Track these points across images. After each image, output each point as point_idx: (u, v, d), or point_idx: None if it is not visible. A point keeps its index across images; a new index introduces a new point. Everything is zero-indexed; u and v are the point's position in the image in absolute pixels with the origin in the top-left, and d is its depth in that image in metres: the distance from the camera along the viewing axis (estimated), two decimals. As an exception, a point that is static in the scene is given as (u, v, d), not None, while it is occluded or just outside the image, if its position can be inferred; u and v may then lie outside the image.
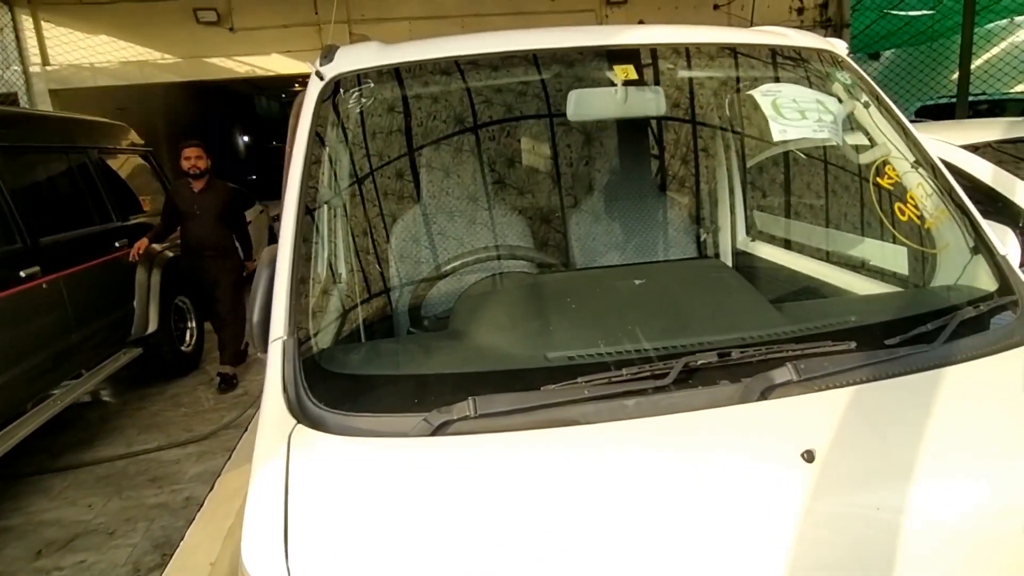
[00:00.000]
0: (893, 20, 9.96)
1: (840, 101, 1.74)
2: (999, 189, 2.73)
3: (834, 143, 1.55)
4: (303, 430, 1.06)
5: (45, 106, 8.39)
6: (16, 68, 8.26)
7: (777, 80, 1.64)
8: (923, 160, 1.59)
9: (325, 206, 1.42)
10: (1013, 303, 1.37)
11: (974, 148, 2.97)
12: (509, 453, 1.02)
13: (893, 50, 10.98)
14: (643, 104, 1.59)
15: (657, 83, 1.67)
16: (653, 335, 1.22)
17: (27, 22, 8.37)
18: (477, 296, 1.42)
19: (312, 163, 1.43)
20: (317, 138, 1.48)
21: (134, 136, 5.91)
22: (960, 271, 1.51)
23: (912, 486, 0.94)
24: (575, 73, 1.59)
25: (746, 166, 2.57)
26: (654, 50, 1.64)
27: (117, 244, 4.78)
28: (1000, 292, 1.39)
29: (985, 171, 2.81)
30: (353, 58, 1.61)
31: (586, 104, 1.54)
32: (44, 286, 3.89)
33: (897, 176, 1.54)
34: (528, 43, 1.60)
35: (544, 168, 2.27)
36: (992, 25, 9.11)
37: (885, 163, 1.57)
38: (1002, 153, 2.99)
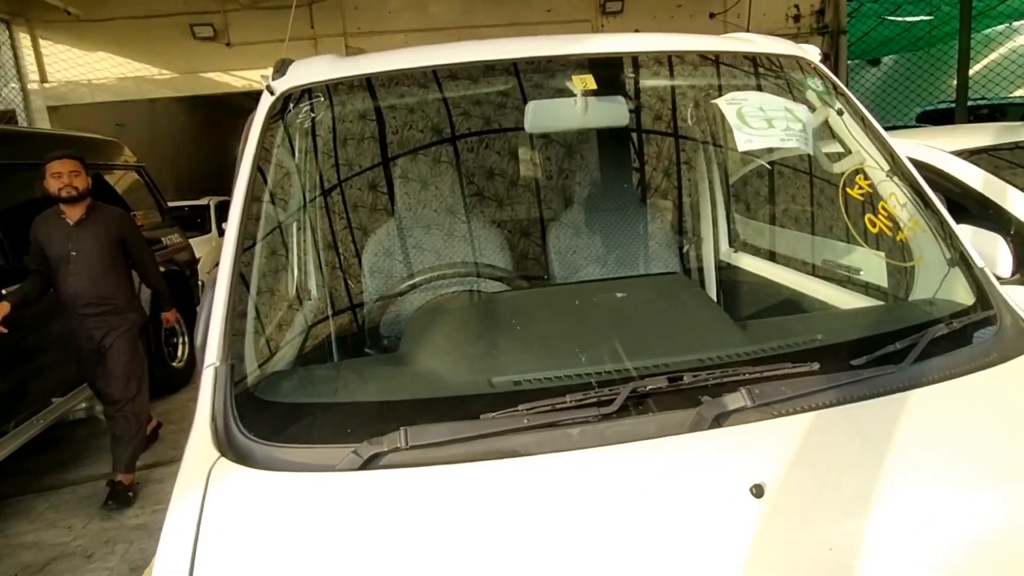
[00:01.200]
0: (891, 26, 9.91)
1: (812, 109, 1.68)
2: (990, 196, 2.65)
3: (804, 152, 1.49)
4: (224, 464, 1.00)
5: (43, 123, 8.43)
6: (14, 85, 8.31)
7: (745, 88, 1.58)
8: (898, 169, 1.53)
9: (271, 225, 1.36)
10: (991, 318, 1.30)
11: (973, 154, 2.90)
12: (440, 488, 0.96)
13: (893, 56, 10.94)
14: (604, 114, 1.53)
15: (623, 93, 1.61)
16: (605, 357, 1.15)
17: (25, 40, 8.42)
18: (427, 317, 1.37)
19: (258, 181, 1.38)
20: (266, 154, 1.44)
21: (127, 152, 5.90)
22: (937, 284, 1.44)
23: (869, 524, 0.87)
24: (534, 84, 1.54)
25: (728, 177, 2.51)
26: (617, 59, 1.58)
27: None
28: (977, 307, 1.32)
29: (976, 177, 2.74)
30: (306, 72, 1.56)
31: (544, 115, 1.49)
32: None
33: (867, 186, 1.47)
34: (487, 54, 1.55)
35: (509, 181, 2.21)
36: (990, 30, 9.05)
37: (857, 172, 1.51)
38: (999, 159, 2.93)
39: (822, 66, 1.72)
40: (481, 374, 1.14)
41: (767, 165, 2.18)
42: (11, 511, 3.64)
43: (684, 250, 2.54)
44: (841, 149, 1.63)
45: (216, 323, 1.19)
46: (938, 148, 2.95)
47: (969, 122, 6.48)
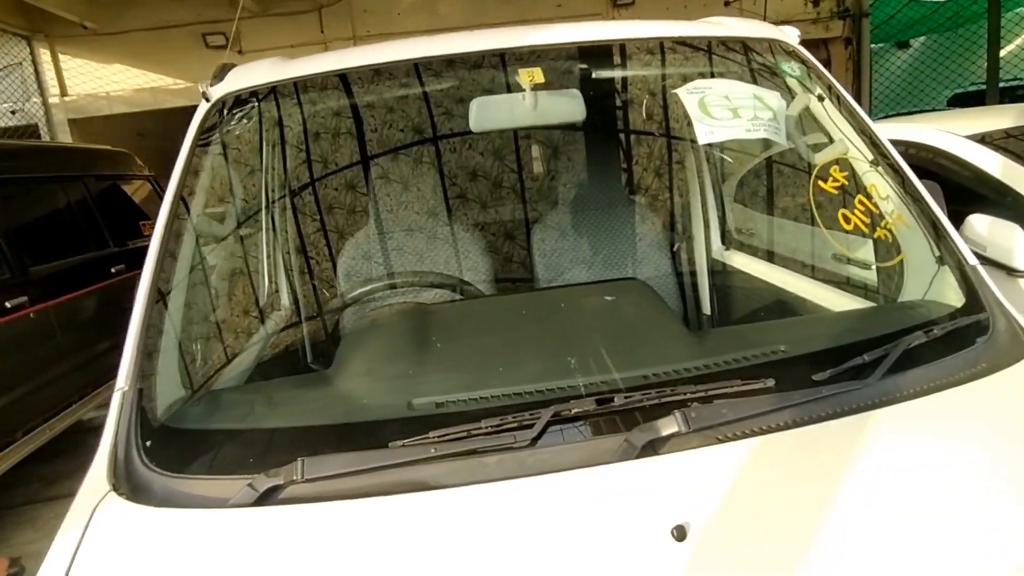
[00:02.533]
0: (917, 7, 9.52)
1: (792, 95, 1.55)
2: (1008, 182, 2.46)
3: (776, 143, 1.36)
4: (112, 500, 0.93)
5: (64, 136, 8.62)
6: (36, 100, 8.51)
7: (714, 75, 1.46)
8: (882, 159, 1.39)
9: (198, 238, 1.29)
10: (981, 323, 1.15)
11: (985, 138, 2.71)
12: (336, 526, 0.87)
13: (923, 38, 10.51)
14: (557, 110, 1.43)
15: (582, 85, 1.50)
16: (537, 376, 1.05)
17: (45, 55, 8.61)
18: (360, 333, 1.28)
19: (187, 192, 1.31)
20: (199, 164, 1.37)
21: (137, 162, 5.97)
22: (923, 285, 1.30)
23: (807, 573, 0.76)
24: (483, 80, 1.43)
25: (719, 172, 2.38)
26: (575, 50, 1.47)
27: (113, 270, 4.80)
28: (966, 310, 1.18)
29: (993, 163, 2.55)
30: (246, 76, 1.49)
31: (490, 113, 1.39)
32: (32, 315, 3.90)
33: (844, 179, 1.34)
34: (434, 50, 1.45)
35: (469, 182, 2.11)
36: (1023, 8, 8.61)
37: (832, 163, 1.37)
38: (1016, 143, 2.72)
39: (802, 49, 1.58)
40: (401, 396, 1.05)
41: (756, 159, 2.04)
42: (19, 520, 3.68)
43: (675, 249, 2.42)
44: (822, 139, 1.50)
45: (129, 345, 1.12)
46: (952, 132, 2.76)
47: (1002, 104, 6.16)
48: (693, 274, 2.40)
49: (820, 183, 1.33)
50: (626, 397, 0.94)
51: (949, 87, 9.06)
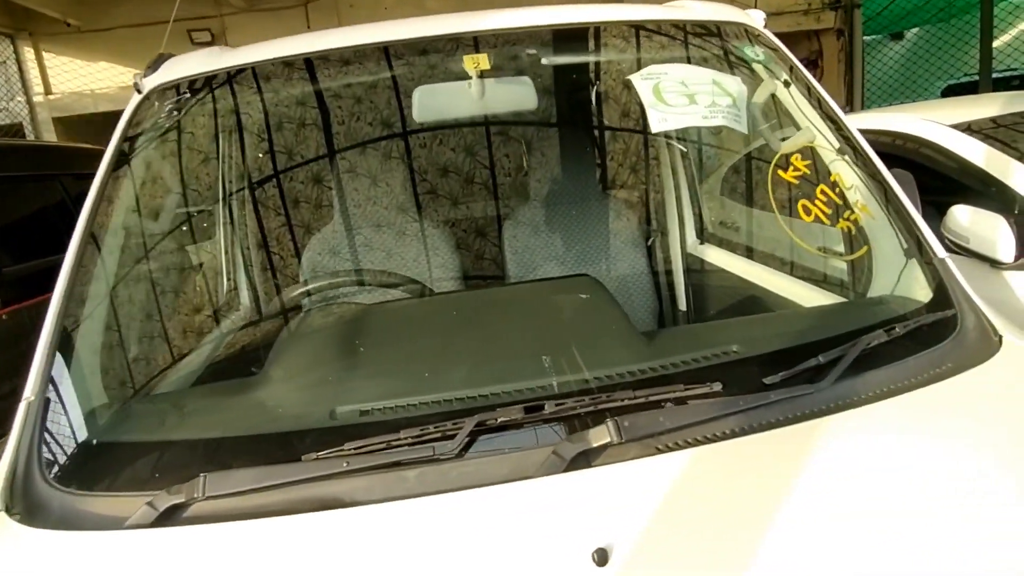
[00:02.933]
0: (912, -1, 9.42)
1: (759, 81, 1.47)
2: (992, 172, 2.39)
3: (734, 130, 1.29)
4: (3, 522, 0.86)
5: (49, 134, 8.52)
6: (20, 99, 8.41)
7: (676, 61, 1.38)
8: (849, 147, 1.32)
9: (120, 236, 1.22)
10: (948, 320, 1.08)
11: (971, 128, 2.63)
12: (239, 548, 0.80)
13: (916, 29, 10.43)
14: (506, 98, 1.35)
15: (534, 72, 1.43)
16: (471, 380, 0.98)
17: (29, 53, 8.51)
18: (293, 336, 1.21)
19: (112, 188, 1.24)
20: (125, 158, 1.29)
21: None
22: (890, 279, 1.23)
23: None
24: (427, 67, 1.36)
25: (693, 165, 2.30)
26: (526, 34, 1.40)
27: (92, 270, 4.73)
28: (932, 306, 1.11)
29: (977, 152, 2.48)
30: (182, 67, 1.42)
31: (434, 102, 1.32)
32: (3, 317, 3.83)
33: (805, 168, 1.26)
34: (376, 36, 1.38)
35: (430, 174, 2.04)
36: (1020, -2, 8.53)
37: (799, 152, 1.30)
38: (1016, 132, 2.65)
39: (768, 33, 1.51)
40: (325, 404, 0.98)
41: (728, 150, 1.97)
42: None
43: (649, 243, 2.35)
44: (787, 127, 1.43)
45: (39, 351, 1.05)
46: (936, 121, 2.69)
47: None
48: (668, 272, 2.33)
49: (780, 172, 1.26)
50: (557, 404, 0.87)
51: (943, 78, 8.99)
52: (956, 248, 2.33)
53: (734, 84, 1.32)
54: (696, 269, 2.27)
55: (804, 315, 1.25)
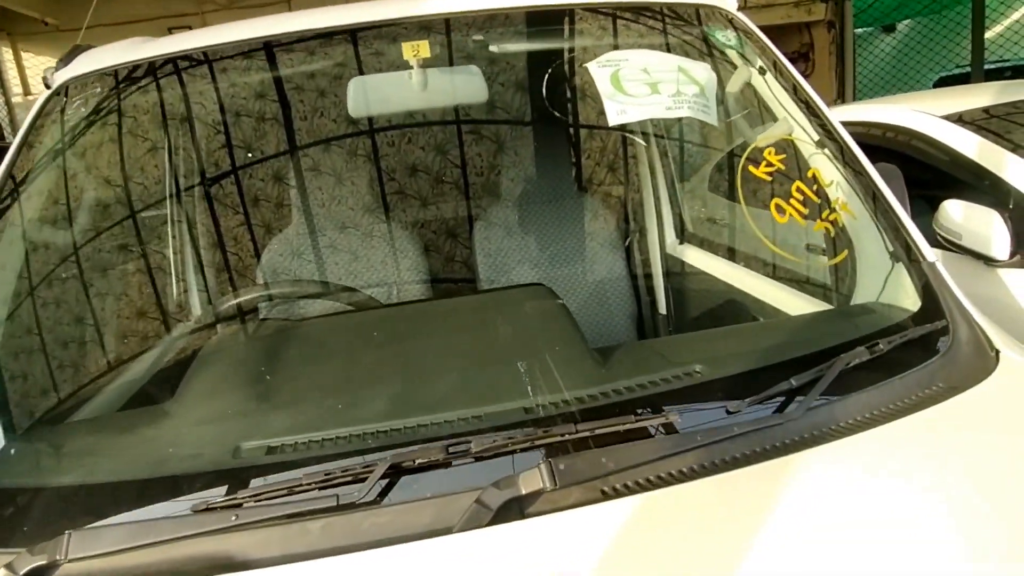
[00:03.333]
0: (904, -11, 9.32)
1: (732, 68, 1.35)
2: (986, 165, 2.28)
3: (702, 121, 1.17)
4: None
5: (28, 136, 8.34)
6: (-2, 99, 8.23)
7: (635, 47, 1.26)
8: (829, 140, 1.20)
9: (20, 240, 1.09)
10: (939, 332, 0.96)
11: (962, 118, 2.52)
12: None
13: (908, 21, 10.35)
14: (454, 89, 1.23)
15: (483, 60, 1.30)
16: (395, 411, 0.86)
17: (7, 53, 8.33)
18: (208, 357, 1.08)
19: (16, 187, 1.11)
20: (31, 157, 1.16)
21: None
22: (880, 285, 1.11)
23: None
24: (366, 55, 1.23)
25: (671, 159, 2.18)
26: (473, 18, 1.27)
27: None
28: (921, 317, 0.99)
29: (969, 144, 2.36)
30: (96, 59, 1.29)
31: (371, 95, 1.19)
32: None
33: (780, 163, 1.14)
34: (307, 23, 1.25)
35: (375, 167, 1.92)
36: (1011, -13, 8.43)
37: (773, 146, 1.18)
38: (1009, 122, 2.54)
39: (742, 16, 1.38)
40: (230, 438, 0.85)
41: (702, 145, 1.85)
42: None
43: (626, 243, 2.24)
44: (764, 118, 1.31)
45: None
46: (927, 112, 2.58)
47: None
48: (648, 275, 2.21)
49: (751, 168, 1.14)
50: (486, 441, 0.75)
51: (935, 70, 8.90)
52: (948, 245, 2.22)
53: (702, 72, 1.20)
54: (676, 271, 2.15)
55: (778, 328, 1.13)
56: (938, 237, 2.24)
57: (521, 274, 2.17)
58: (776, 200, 1.10)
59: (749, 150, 1.17)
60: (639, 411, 0.79)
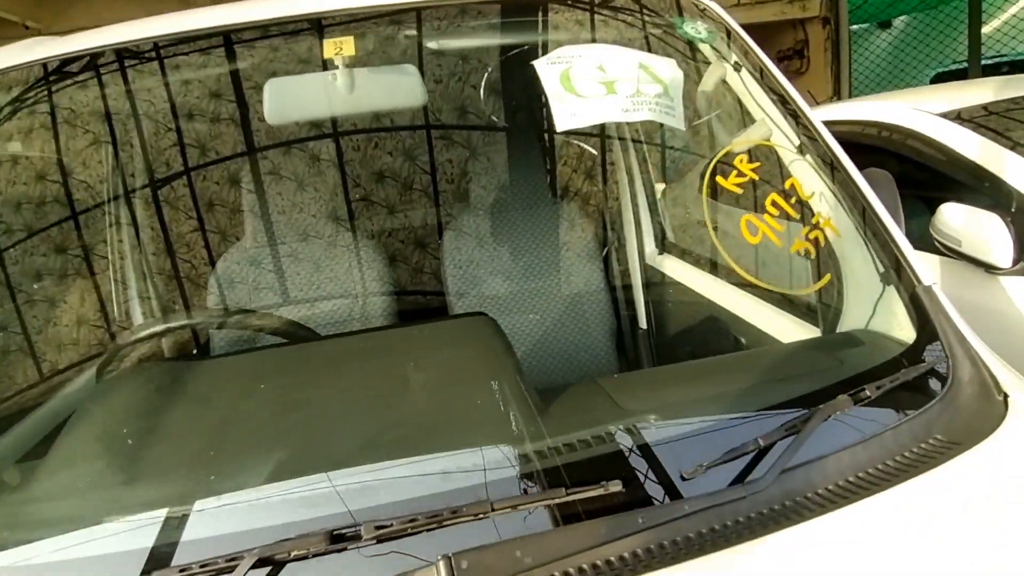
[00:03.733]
0: (902, -15, 9.20)
1: (705, 64, 1.21)
2: (985, 165, 2.14)
3: (667, 123, 1.02)
4: None
5: (10, 142, 8.19)
6: (-23, 105, 8.08)
7: (590, 41, 1.12)
8: (811, 145, 1.06)
9: None
10: (935, 373, 0.82)
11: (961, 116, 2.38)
12: None
13: (905, 17, 10.23)
14: (386, 91, 1.08)
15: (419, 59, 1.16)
16: (277, 484, 0.71)
17: (-13, 58, 8.17)
18: (93, 403, 0.93)
19: None
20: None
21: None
22: (868, 313, 0.97)
23: None
24: (285, 55, 1.09)
25: (651, 164, 2.04)
26: (408, 11, 1.13)
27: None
28: (915, 353, 0.85)
29: (967, 143, 2.22)
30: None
31: (289, 99, 1.05)
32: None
33: (753, 172, 1.00)
34: (225, 19, 1.10)
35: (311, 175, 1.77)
36: (1009, -19, 8.31)
37: (746, 153, 1.04)
38: (1010, 120, 2.40)
39: (716, 8, 1.24)
40: (97, 510, 0.70)
41: (682, 151, 1.71)
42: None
43: (604, 253, 2.10)
44: (738, 120, 1.16)
45: None
46: (923, 110, 2.44)
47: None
48: (627, 286, 2.08)
49: (719, 179, 0.99)
50: (378, 528, 0.60)
51: (933, 66, 8.78)
52: (946, 251, 2.08)
53: (667, 69, 1.06)
54: (656, 282, 2.02)
55: (750, 364, 0.98)
56: (935, 243, 2.10)
57: (493, 286, 2.04)
58: (747, 217, 0.96)
59: (716, 158, 1.02)
60: (571, 483, 0.65)
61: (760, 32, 7.37)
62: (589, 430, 0.75)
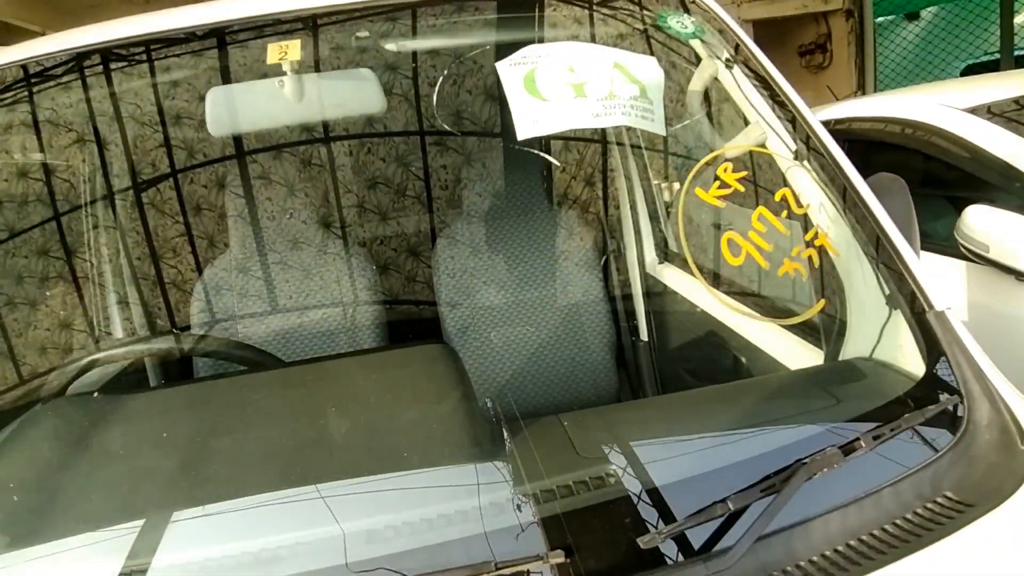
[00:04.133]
0: (928, -25, 8.92)
1: (696, 60, 1.11)
2: (1017, 164, 1.98)
3: (644, 128, 0.92)
4: None
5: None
6: (2, 115, 8.25)
7: (565, 38, 1.02)
8: (809, 150, 0.94)
9: None
10: (946, 416, 0.71)
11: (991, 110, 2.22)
12: None
13: (934, 8, 9.91)
14: (341, 99, 1.00)
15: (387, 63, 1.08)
16: (185, 534, 0.63)
17: (10, 68, 8.34)
18: (17, 440, 0.86)
19: None
20: None
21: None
22: (875, 337, 0.86)
23: None
24: (232, 60, 1.01)
25: (650, 172, 1.93)
26: (365, 10, 1.04)
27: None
28: (924, 390, 0.73)
29: (999, 140, 2.07)
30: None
31: (235, 108, 0.97)
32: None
33: (737, 183, 0.89)
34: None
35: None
36: (1042, -33, 7.98)
37: (730, 161, 0.93)
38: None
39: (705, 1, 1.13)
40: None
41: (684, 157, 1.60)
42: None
43: (602, 262, 2.00)
44: (729, 123, 1.06)
45: None
46: (948, 105, 2.29)
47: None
48: (628, 296, 1.97)
49: (699, 192, 0.89)
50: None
51: (963, 59, 8.47)
52: (972, 257, 1.94)
53: (646, 68, 0.95)
54: (657, 293, 1.91)
55: (732, 397, 0.86)
56: (961, 247, 1.96)
57: (487, 296, 1.97)
58: (729, 234, 0.85)
59: (697, 168, 0.92)
60: (506, 551, 0.55)
61: (781, 26, 7.15)
62: (540, 482, 0.65)
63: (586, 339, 1.95)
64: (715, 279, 1.61)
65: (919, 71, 8.53)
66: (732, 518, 0.59)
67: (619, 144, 1.94)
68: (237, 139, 1.84)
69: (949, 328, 0.78)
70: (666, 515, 0.60)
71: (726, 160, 0.88)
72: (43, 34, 8.08)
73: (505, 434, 0.73)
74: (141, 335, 1.33)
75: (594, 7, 1.07)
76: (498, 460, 0.71)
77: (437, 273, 1.93)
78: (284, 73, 1.06)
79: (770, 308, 1.23)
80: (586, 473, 0.66)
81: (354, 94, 1.01)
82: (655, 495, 0.63)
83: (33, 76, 1.11)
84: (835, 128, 2.69)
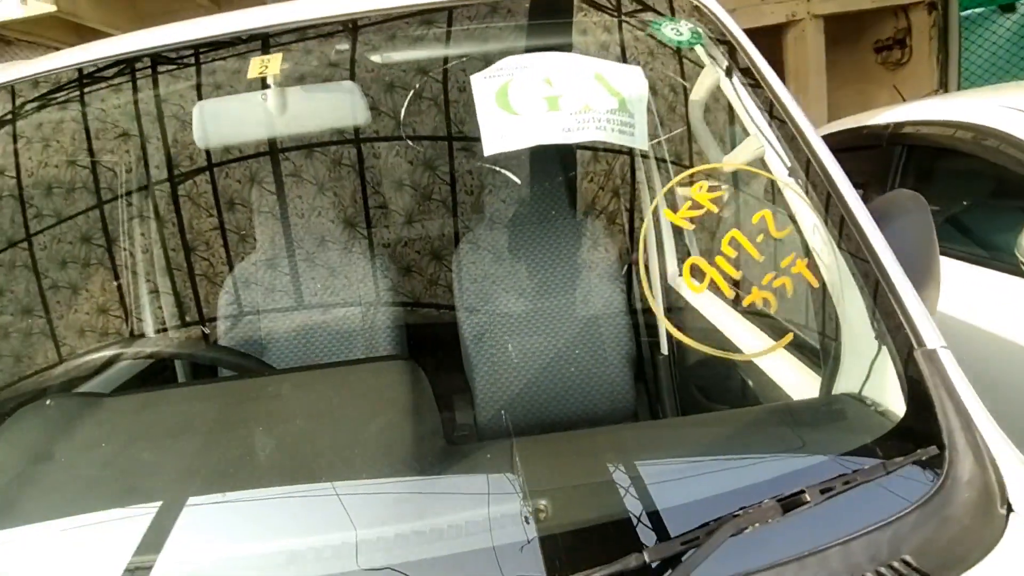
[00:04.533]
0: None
1: (698, 68, 1.06)
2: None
3: (621, 143, 0.88)
4: None
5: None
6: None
7: (552, 48, 0.99)
8: (800, 166, 0.88)
9: None
10: (927, 463, 0.64)
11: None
12: None
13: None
14: (325, 111, 1.00)
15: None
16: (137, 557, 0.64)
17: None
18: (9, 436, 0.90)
19: None
20: None
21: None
22: (863, 373, 0.79)
23: None
24: (220, 76, 1.03)
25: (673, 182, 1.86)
26: (347, 22, 1.03)
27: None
28: (902, 436, 0.66)
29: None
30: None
31: (220, 121, 0.99)
32: None
33: (712, 203, 0.83)
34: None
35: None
36: None
37: (707, 178, 0.87)
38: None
39: (709, 4, 1.08)
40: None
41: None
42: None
43: (623, 273, 1.95)
44: (719, 139, 1.00)
45: None
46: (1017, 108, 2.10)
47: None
48: (647, 309, 1.91)
49: (667, 213, 0.84)
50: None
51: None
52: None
53: (629, 80, 0.91)
54: (678, 307, 1.84)
55: (693, 435, 0.80)
56: (1021, 265, 1.79)
57: (506, 303, 1.95)
58: (693, 259, 0.80)
59: (667, 188, 0.87)
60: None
61: (855, 21, 6.76)
62: (467, 512, 0.63)
63: (605, 352, 1.91)
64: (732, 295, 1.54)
65: (1011, 67, 7.90)
66: (644, 572, 0.55)
67: (644, 157, 1.88)
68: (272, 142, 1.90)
69: (939, 368, 0.70)
70: (578, 558, 0.56)
71: (705, 178, 0.83)
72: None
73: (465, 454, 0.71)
74: (140, 334, 1.38)
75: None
76: (444, 481, 0.69)
77: (458, 277, 1.93)
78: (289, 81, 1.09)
79: (779, 331, 1.16)
80: (530, 506, 0.63)
81: (338, 106, 1.02)
82: (590, 533, 0.60)
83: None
84: (894, 132, 2.52)
